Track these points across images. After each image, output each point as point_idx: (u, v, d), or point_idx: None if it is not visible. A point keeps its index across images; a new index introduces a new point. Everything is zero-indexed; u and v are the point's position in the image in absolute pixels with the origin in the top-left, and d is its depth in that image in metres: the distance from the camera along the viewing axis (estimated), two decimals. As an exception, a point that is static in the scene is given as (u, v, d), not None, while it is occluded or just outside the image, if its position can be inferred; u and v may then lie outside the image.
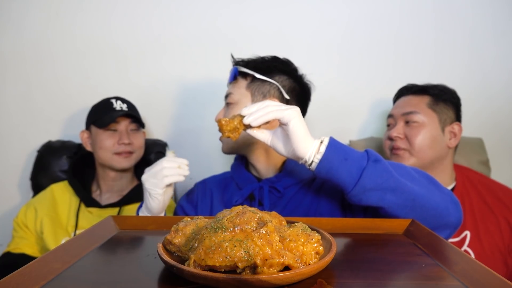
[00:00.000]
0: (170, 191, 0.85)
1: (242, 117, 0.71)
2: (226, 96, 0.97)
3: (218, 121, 0.72)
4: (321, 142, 0.71)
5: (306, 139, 0.70)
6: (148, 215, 0.85)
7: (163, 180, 0.80)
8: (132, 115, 1.27)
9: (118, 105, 1.27)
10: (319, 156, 0.70)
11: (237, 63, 0.98)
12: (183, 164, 0.83)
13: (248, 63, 0.97)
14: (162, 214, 0.87)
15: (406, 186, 0.70)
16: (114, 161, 1.26)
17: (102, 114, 1.25)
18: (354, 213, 0.83)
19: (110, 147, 1.25)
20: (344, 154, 0.70)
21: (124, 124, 1.27)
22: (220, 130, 0.72)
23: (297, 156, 0.71)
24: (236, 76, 0.96)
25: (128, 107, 1.29)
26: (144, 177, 0.83)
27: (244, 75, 0.96)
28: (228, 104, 0.96)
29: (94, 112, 1.29)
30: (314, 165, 0.71)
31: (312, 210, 0.87)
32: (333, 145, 0.71)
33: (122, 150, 1.25)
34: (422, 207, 0.70)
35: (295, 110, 0.70)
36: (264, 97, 0.93)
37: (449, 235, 0.75)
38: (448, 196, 0.74)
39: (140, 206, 0.89)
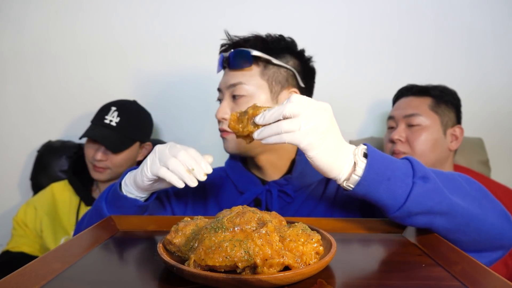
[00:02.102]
0: (160, 185, 0.69)
1: (254, 125, 0.56)
2: (231, 86, 0.78)
3: (233, 127, 0.58)
4: (356, 163, 0.57)
5: (334, 164, 0.56)
6: (132, 183, 0.69)
7: (160, 169, 0.62)
8: (106, 140, 1.19)
9: (110, 115, 1.24)
10: (354, 181, 0.57)
11: (239, 43, 0.80)
12: (200, 172, 0.63)
13: (256, 44, 0.79)
14: (144, 194, 0.71)
15: (459, 208, 0.58)
16: (91, 171, 1.26)
17: (92, 122, 1.26)
18: None
19: (89, 158, 1.25)
20: (387, 173, 0.56)
21: None
22: (236, 135, 0.59)
23: (326, 176, 0.59)
24: (248, 61, 0.77)
25: (118, 122, 1.23)
26: (157, 148, 0.66)
27: (256, 59, 0.79)
28: (237, 97, 0.78)
29: (96, 113, 1.29)
30: (347, 188, 0.59)
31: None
32: (373, 166, 0.56)
33: (95, 164, 1.24)
34: (477, 231, 0.60)
35: (318, 133, 0.53)
36: (282, 87, 0.80)
37: (501, 256, 0.65)
38: (503, 212, 0.64)
39: (133, 169, 0.73)
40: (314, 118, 0.53)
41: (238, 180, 0.84)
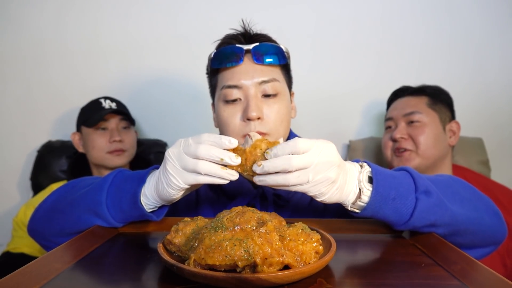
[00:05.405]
0: (188, 191, 0.61)
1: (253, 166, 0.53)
2: (263, 82, 0.72)
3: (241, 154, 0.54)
4: (361, 190, 0.58)
5: (341, 198, 0.58)
6: (153, 196, 0.61)
7: (195, 177, 0.53)
8: (122, 111, 1.28)
9: (107, 104, 1.27)
10: (360, 207, 0.59)
11: (263, 40, 0.77)
12: (231, 157, 0.52)
13: (277, 45, 0.76)
14: (160, 204, 0.64)
15: (459, 217, 0.62)
16: (107, 160, 1.26)
17: (91, 114, 1.26)
18: None
19: (102, 146, 1.25)
20: (391, 193, 0.58)
21: (114, 122, 1.28)
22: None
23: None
24: (285, 60, 0.76)
25: (117, 105, 1.29)
26: (171, 153, 0.55)
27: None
28: (269, 96, 0.73)
29: (83, 112, 1.30)
30: (353, 210, 0.61)
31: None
32: (378, 191, 0.57)
33: (114, 148, 1.25)
34: (473, 233, 0.64)
35: (327, 183, 0.53)
36: (287, 91, 0.78)
37: (492, 251, 0.70)
38: (495, 211, 0.68)
39: (155, 168, 0.65)
40: (322, 170, 0.52)
41: (226, 185, 0.72)
